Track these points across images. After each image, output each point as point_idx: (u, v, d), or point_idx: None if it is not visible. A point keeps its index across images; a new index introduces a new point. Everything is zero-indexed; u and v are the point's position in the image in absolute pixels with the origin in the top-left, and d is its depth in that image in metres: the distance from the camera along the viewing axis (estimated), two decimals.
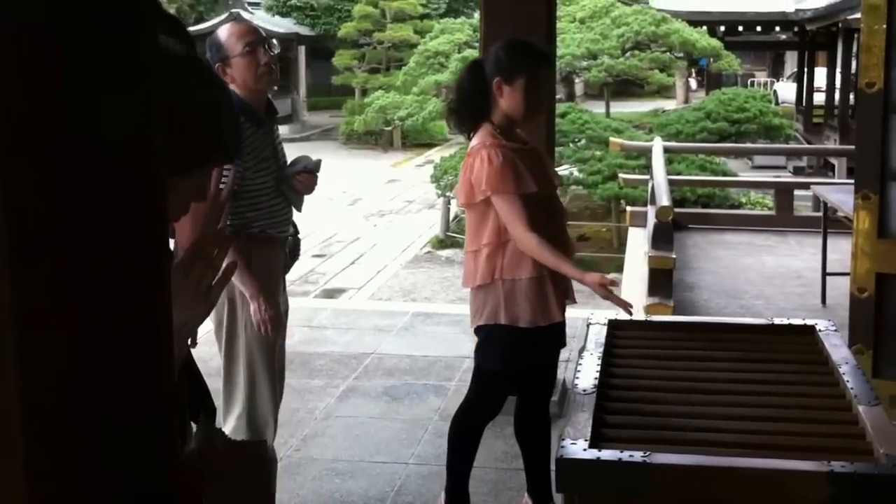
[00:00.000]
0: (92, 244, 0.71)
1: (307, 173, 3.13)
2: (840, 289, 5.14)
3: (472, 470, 3.21)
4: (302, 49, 26.62)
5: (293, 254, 3.35)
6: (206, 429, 1.06)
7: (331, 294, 9.67)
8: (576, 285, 3.04)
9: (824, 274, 5.53)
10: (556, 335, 3.03)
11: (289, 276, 3.28)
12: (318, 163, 3.19)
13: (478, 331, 3.01)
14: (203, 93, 1.01)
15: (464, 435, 3.15)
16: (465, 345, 4.80)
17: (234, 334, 3.07)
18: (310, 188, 3.16)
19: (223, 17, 22.99)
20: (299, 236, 3.41)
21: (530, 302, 2.87)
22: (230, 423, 3.03)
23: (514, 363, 3.01)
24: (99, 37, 0.70)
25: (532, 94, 2.85)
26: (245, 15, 22.94)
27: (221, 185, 2.68)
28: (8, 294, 0.63)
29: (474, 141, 2.91)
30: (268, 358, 3.08)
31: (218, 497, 1.00)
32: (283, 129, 22.98)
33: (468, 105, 2.95)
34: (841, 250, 5.67)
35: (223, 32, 3.05)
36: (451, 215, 12.84)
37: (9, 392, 0.64)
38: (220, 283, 1.03)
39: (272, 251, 3.11)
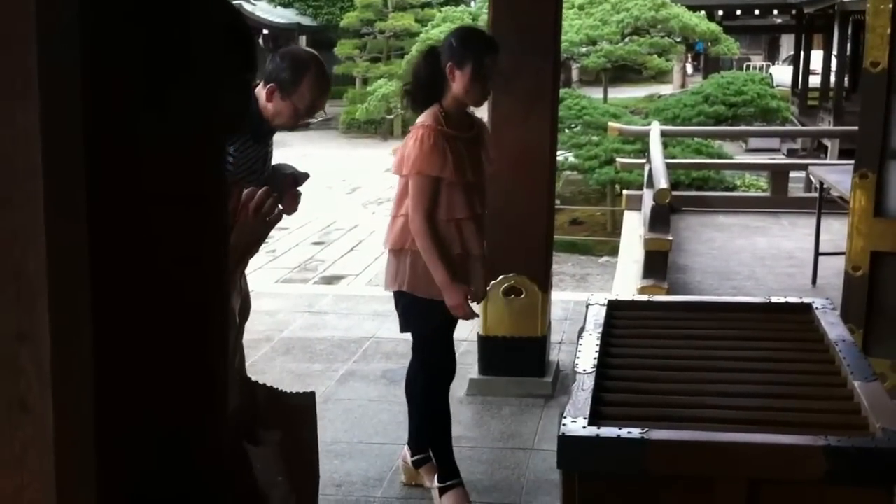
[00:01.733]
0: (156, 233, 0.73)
1: (293, 188, 2.93)
2: (830, 269, 5.18)
3: (457, 444, 3.26)
4: (304, 39, 26.52)
5: None
6: (246, 384, 1.09)
7: (330, 280, 9.68)
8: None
9: (817, 254, 5.56)
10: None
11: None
12: (306, 175, 3.01)
13: (395, 296, 3.21)
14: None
15: (428, 403, 3.28)
16: (463, 328, 4.81)
17: None
18: (292, 208, 2.94)
19: None
20: None
21: (430, 276, 3.05)
22: None
23: (424, 327, 3.19)
24: None
25: (480, 79, 3.03)
26: (248, 6, 22.85)
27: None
28: (88, 288, 0.64)
29: (419, 119, 3.09)
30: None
31: (268, 447, 1.03)
32: None
33: (422, 88, 3.11)
34: (832, 231, 5.70)
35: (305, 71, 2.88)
36: None
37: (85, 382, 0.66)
38: (241, 269, 1.08)
39: None
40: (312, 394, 1.18)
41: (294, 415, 1.11)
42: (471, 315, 3.11)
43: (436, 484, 3.30)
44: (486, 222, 3.25)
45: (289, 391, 1.20)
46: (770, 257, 6.32)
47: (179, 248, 0.74)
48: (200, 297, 0.78)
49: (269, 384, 1.84)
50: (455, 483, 3.28)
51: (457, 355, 4.69)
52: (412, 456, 3.37)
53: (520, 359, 4.29)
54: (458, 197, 3.04)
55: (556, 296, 5.85)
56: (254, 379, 1.11)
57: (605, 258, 10.54)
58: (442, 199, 3.03)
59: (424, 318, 3.15)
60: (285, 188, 2.91)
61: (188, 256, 0.75)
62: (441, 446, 3.30)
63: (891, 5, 3.62)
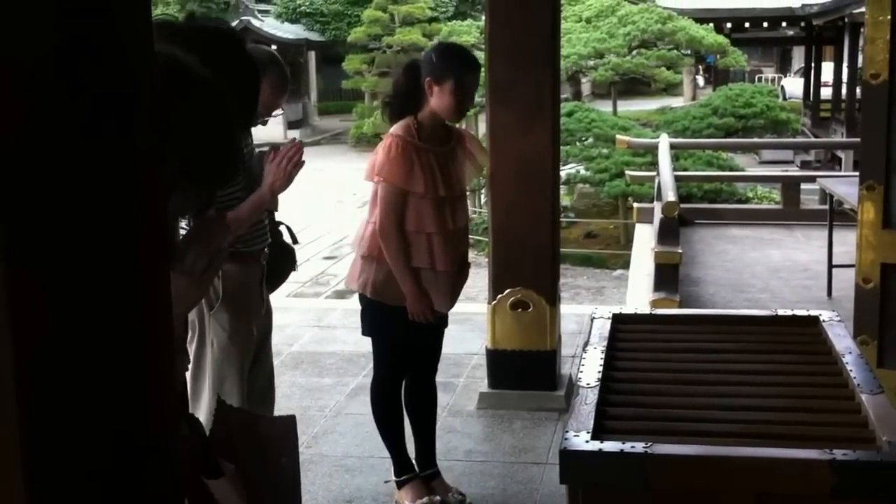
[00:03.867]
0: (87, 244, 0.73)
1: (274, 154, 2.80)
2: (846, 281, 5.15)
3: (468, 458, 3.25)
4: (312, 54, 26.72)
5: (284, 266, 3.16)
6: (221, 410, 1.09)
7: (342, 295, 9.70)
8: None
9: (830, 266, 5.54)
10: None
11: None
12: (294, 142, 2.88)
13: (360, 298, 3.27)
14: (215, 118, 1.03)
15: (379, 405, 3.36)
16: (473, 342, 4.83)
17: (202, 352, 2.89)
18: (286, 174, 2.79)
19: (233, 24, 23.11)
20: (294, 246, 3.24)
21: (398, 286, 3.10)
22: None
23: (386, 335, 3.23)
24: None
25: (458, 96, 3.08)
26: (255, 23, 23.04)
27: None
28: (4, 292, 0.64)
29: (392, 129, 3.15)
30: (238, 376, 2.93)
31: (227, 478, 1.02)
32: (293, 134, 23.06)
33: (399, 100, 3.18)
34: (847, 242, 5.67)
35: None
36: None
37: (6, 388, 0.65)
38: (213, 269, 1.06)
39: (243, 267, 2.90)
40: (292, 418, 1.17)
41: (270, 441, 1.10)
42: (431, 320, 3.14)
43: (393, 478, 3.39)
44: (465, 236, 3.33)
45: (267, 416, 1.20)
46: (785, 269, 6.30)
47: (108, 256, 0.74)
48: (134, 299, 0.77)
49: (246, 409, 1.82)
50: (411, 476, 3.35)
51: (466, 370, 4.74)
52: (395, 475, 3.42)
53: (530, 372, 4.28)
54: (427, 211, 3.08)
55: (571, 309, 5.85)
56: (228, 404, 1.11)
57: (619, 271, 10.53)
58: (410, 212, 3.08)
59: (387, 324, 3.19)
60: (271, 160, 2.81)
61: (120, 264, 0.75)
62: (393, 441, 3.37)
63: (889, 17, 3.61)
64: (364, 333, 3.32)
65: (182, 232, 1.17)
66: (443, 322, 3.36)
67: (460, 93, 3.06)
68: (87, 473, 0.73)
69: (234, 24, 22.73)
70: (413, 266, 3.10)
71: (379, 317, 3.19)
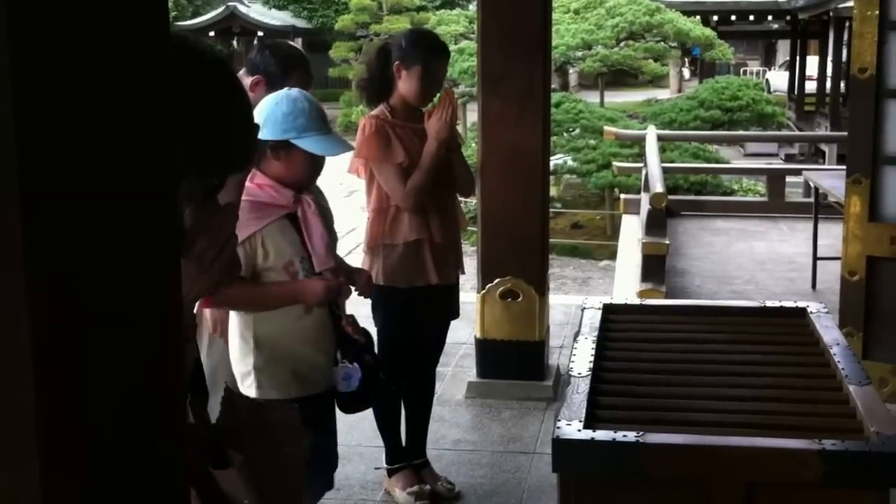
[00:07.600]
0: (102, 234, 0.73)
1: None
2: (830, 273, 5.20)
3: (457, 447, 3.25)
4: (299, 42, 26.54)
5: None
6: (228, 398, 1.09)
7: None
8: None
9: (815, 259, 5.59)
10: (438, 301, 3.23)
11: None
12: None
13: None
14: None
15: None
16: (462, 331, 4.83)
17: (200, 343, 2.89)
18: None
19: (220, 10, 22.95)
20: None
21: (407, 264, 3.13)
22: None
23: (400, 323, 3.23)
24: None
25: (425, 81, 3.11)
26: (242, 9, 22.89)
27: None
28: (23, 285, 0.65)
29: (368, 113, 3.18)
30: (228, 365, 2.83)
31: (234, 469, 1.02)
32: None
33: (372, 83, 3.20)
34: (831, 235, 5.73)
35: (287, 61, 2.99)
36: None
37: (23, 378, 0.66)
38: (224, 257, 1.05)
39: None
40: (296, 406, 1.17)
41: (275, 430, 1.10)
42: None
43: (384, 465, 3.40)
44: (457, 206, 3.34)
45: (272, 405, 1.20)
46: (770, 261, 6.34)
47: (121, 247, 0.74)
48: (150, 290, 0.78)
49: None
50: (403, 465, 3.36)
51: (455, 360, 4.75)
52: (387, 463, 3.43)
53: (518, 362, 4.30)
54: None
55: (558, 299, 5.86)
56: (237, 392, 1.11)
57: (605, 262, 10.56)
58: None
59: (402, 311, 3.18)
60: None
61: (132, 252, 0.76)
62: (389, 430, 3.37)
63: (877, 11, 3.64)
64: (377, 325, 3.28)
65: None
66: (452, 313, 3.38)
67: (427, 78, 3.09)
68: (98, 462, 0.73)
69: (220, 10, 22.62)
70: (413, 239, 3.11)
71: (393, 304, 3.18)
